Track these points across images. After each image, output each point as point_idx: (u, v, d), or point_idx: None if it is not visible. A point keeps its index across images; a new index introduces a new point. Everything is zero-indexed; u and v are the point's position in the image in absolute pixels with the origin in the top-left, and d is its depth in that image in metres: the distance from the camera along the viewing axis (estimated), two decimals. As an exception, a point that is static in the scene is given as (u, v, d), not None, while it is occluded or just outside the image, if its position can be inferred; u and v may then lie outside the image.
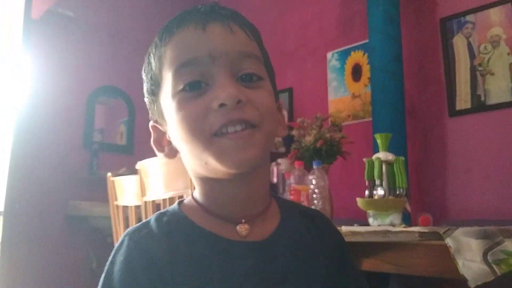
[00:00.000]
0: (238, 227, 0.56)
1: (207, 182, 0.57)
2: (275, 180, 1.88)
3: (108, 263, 0.53)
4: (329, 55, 3.10)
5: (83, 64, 3.17)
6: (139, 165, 1.52)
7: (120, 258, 0.52)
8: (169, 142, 0.60)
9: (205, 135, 0.52)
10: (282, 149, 2.87)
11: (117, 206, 1.70)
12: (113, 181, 1.72)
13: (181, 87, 0.54)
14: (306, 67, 3.22)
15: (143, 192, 1.49)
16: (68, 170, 3.01)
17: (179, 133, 0.54)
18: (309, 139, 1.72)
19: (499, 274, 0.92)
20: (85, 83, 3.19)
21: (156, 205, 1.47)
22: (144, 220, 0.59)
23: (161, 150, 0.62)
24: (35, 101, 2.88)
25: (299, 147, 1.76)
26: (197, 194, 0.60)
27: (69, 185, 2.98)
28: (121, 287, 0.50)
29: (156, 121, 0.62)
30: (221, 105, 0.51)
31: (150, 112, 0.63)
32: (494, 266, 0.93)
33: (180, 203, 0.61)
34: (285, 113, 3.10)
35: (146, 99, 0.62)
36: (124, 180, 1.68)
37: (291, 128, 1.87)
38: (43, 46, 2.98)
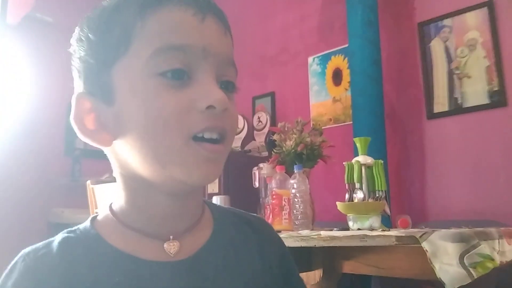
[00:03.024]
0: (165, 245, 0.50)
1: (143, 187, 0.50)
2: (256, 184, 1.88)
3: None
4: (310, 59, 3.12)
5: (63, 69, 3.11)
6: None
7: (8, 284, 0.46)
8: (100, 126, 0.50)
9: (182, 135, 0.46)
10: (265, 153, 2.89)
11: (98, 214, 1.69)
12: (93, 189, 1.70)
13: (162, 70, 0.46)
14: (287, 72, 3.24)
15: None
16: (50, 178, 2.98)
17: (144, 122, 0.47)
18: (290, 143, 1.73)
19: (475, 277, 0.93)
20: (65, 89, 3.14)
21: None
22: (49, 239, 0.50)
23: (87, 133, 0.51)
24: (15, 108, 2.84)
25: (280, 152, 1.77)
26: (119, 204, 0.52)
27: (51, 193, 2.95)
28: None
29: (90, 93, 0.51)
30: (210, 107, 0.46)
31: (81, 80, 0.53)
32: (471, 269, 0.94)
33: (94, 219, 0.53)
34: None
35: (80, 63, 0.53)
36: (104, 187, 1.67)
37: (272, 133, 1.88)
38: (22, 52, 2.94)
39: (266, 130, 3.12)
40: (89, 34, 0.50)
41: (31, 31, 3.01)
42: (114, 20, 0.49)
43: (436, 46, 2.54)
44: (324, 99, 3.01)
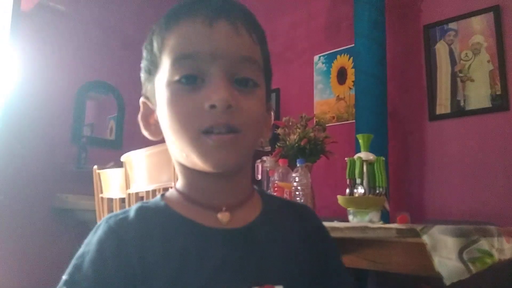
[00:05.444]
0: (219, 215, 0.57)
1: (190, 172, 0.59)
2: (259, 177, 1.91)
3: (83, 244, 0.55)
4: (316, 58, 3.15)
5: (73, 58, 3.16)
6: (124, 157, 1.53)
7: (94, 240, 0.54)
8: (156, 122, 0.61)
9: (193, 131, 0.53)
10: (268, 147, 2.91)
11: (102, 199, 1.71)
12: (98, 174, 1.73)
13: (177, 77, 0.54)
14: (293, 69, 3.27)
15: (127, 185, 1.50)
16: (56, 164, 2.99)
17: (168, 121, 0.55)
18: (293, 137, 1.76)
19: (474, 272, 0.95)
20: (74, 78, 3.17)
21: (139, 198, 1.49)
22: (126, 208, 0.60)
23: (147, 127, 0.62)
24: (24, 95, 2.86)
25: (283, 145, 1.79)
26: (180, 184, 0.62)
27: (56, 178, 2.96)
28: (90, 270, 0.51)
29: (147, 98, 0.63)
30: (212, 106, 0.52)
31: (143, 88, 0.63)
32: (470, 264, 0.95)
33: (163, 195, 0.62)
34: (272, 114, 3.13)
35: (142, 75, 0.63)
36: (110, 172, 1.69)
37: (276, 127, 1.91)
38: (32, 39, 2.95)
39: (269, 125, 3.15)
40: (143, 52, 0.61)
41: (42, 18, 3.02)
42: (153, 40, 0.59)
43: (441, 49, 2.56)
44: (328, 97, 3.04)
